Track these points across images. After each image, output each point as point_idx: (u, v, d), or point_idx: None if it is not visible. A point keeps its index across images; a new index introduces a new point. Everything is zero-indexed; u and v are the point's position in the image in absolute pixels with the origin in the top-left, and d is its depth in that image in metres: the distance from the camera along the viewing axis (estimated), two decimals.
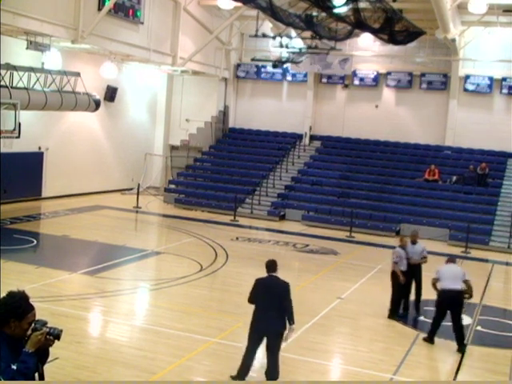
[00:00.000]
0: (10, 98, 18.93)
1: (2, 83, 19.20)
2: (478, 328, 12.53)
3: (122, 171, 28.26)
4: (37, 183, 23.55)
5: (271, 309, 8.55)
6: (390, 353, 10.79)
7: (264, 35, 21.54)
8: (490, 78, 26.45)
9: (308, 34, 21.18)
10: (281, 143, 29.14)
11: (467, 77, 26.78)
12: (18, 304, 4.42)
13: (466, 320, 12.89)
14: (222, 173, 27.46)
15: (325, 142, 29.14)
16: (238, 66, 30.47)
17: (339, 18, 16.75)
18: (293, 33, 23.42)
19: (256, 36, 21.59)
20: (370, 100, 28.54)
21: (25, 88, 20.15)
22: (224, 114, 30.54)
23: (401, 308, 12.88)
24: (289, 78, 29.74)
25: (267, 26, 25.82)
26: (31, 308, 4.48)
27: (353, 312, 13.07)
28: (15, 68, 20.03)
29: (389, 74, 28.08)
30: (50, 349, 4.55)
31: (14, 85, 19.82)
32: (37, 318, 4.50)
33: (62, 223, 20.39)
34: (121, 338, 10.70)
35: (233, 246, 18.74)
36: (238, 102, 30.86)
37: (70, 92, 22.15)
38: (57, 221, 20.80)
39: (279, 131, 29.79)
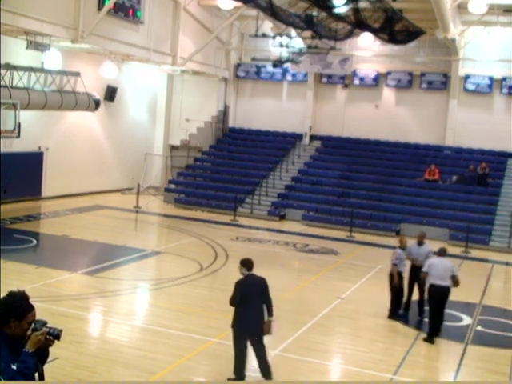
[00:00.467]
0: (10, 97, 18.94)
1: (2, 83, 19.21)
2: (478, 328, 12.52)
3: (121, 171, 28.26)
4: (37, 183, 23.54)
5: (256, 307, 8.74)
6: (390, 353, 10.80)
7: (264, 35, 21.57)
8: (490, 78, 26.44)
9: (308, 33, 21.20)
10: (281, 143, 29.15)
11: (467, 77, 26.78)
12: (18, 304, 4.42)
13: (465, 320, 12.92)
14: (221, 173, 27.46)
15: (325, 141, 29.13)
16: (238, 65, 30.47)
17: (339, 17, 16.75)
18: (293, 32, 23.41)
19: (256, 36, 21.63)
20: (370, 100, 28.54)
21: (25, 88, 20.17)
22: (224, 113, 30.54)
23: (401, 308, 12.87)
24: (289, 77, 29.74)
25: (267, 25, 25.83)
26: (31, 308, 4.48)
27: (353, 312, 13.07)
28: (15, 68, 20.04)
29: (389, 73, 28.08)
30: (50, 349, 4.55)
31: (14, 85, 19.84)
32: (37, 318, 4.50)
33: (62, 223, 20.39)
34: (121, 338, 10.70)
35: (233, 246, 18.73)
36: (237, 101, 30.86)
37: (70, 92, 22.16)
38: (57, 221, 20.79)
39: (279, 131, 29.79)
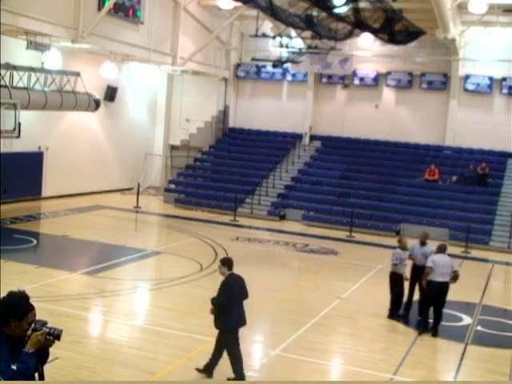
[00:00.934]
0: (10, 97, 18.93)
1: (2, 83, 19.20)
2: (478, 328, 12.52)
3: (121, 171, 28.26)
4: (37, 183, 23.54)
5: (241, 304, 9.00)
6: (390, 353, 10.80)
7: (264, 35, 21.56)
8: (490, 78, 26.44)
9: (308, 33, 21.19)
10: (281, 143, 29.14)
11: (467, 77, 26.78)
12: (19, 304, 4.42)
13: (465, 320, 12.92)
14: (221, 173, 27.46)
15: (325, 141, 29.13)
16: (238, 65, 30.47)
17: (339, 17, 16.74)
18: (293, 33, 23.42)
19: (256, 36, 21.60)
20: (370, 100, 28.53)
21: (25, 88, 20.16)
22: (224, 113, 30.54)
23: (401, 308, 12.87)
24: (289, 77, 29.73)
25: (267, 25, 25.81)
26: (31, 308, 4.48)
27: (353, 312, 13.07)
28: (15, 68, 20.03)
29: (389, 73, 28.07)
30: (50, 349, 4.55)
31: (14, 85, 19.83)
32: (37, 318, 4.50)
33: (61, 223, 20.39)
34: (121, 338, 10.70)
35: (233, 246, 18.73)
36: (237, 101, 30.86)
37: (70, 92, 22.15)
38: (57, 221, 20.80)
39: (279, 131, 29.79)
